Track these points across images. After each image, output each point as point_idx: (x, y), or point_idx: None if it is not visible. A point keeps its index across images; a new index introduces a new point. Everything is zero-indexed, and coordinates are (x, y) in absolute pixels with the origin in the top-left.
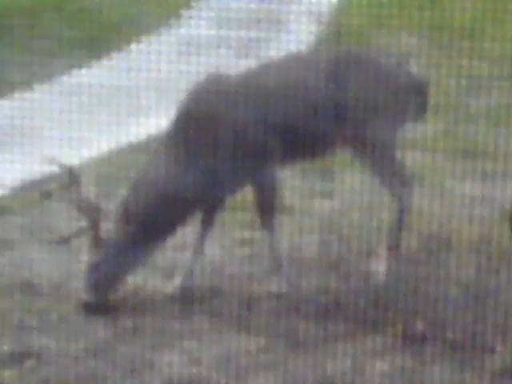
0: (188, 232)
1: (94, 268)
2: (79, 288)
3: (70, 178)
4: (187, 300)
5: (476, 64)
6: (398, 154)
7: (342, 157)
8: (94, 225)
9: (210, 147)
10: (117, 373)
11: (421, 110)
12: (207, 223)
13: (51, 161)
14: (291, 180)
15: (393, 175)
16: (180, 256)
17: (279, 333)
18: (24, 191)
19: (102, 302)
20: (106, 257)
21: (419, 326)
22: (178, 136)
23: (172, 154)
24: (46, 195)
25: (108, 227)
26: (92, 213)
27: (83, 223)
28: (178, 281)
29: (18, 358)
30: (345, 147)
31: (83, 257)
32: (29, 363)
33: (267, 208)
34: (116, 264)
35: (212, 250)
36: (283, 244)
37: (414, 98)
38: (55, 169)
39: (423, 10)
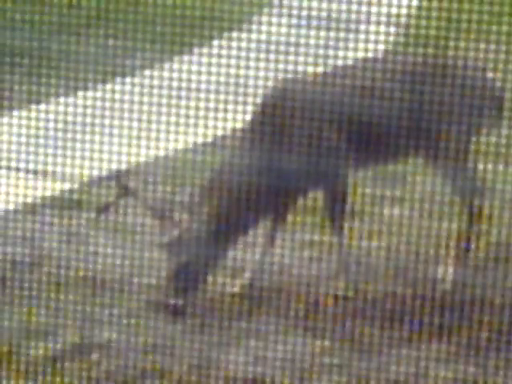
0: (258, 232)
1: (179, 271)
2: (147, 283)
3: (120, 189)
4: (254, 299)
5: None
6: (471, 162)
7: (413, 163)
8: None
9: (285, 148)
10: (182, 369)
11: (496, 116)
12: (278, 223)
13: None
14: (361, 185)
15: (464, 183)
16: (249, 255)
17: (344, 336)
18: (95, 186)
19: (188, 304)
20: (189, 258)
21: (484, 335)
22: (253, 136)
23: (247, 152)
24: (104, 209)
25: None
26: (159, 215)
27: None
28: (246, 280)
29: (84, 351)
30: (417, 153)
31: (154, 254)
32: (95, 356)
33: (338, 211)
34: (200, 264)
35: (281, 250)
36: (352, 248)
37: (489, 104)
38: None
39: (502, 17)
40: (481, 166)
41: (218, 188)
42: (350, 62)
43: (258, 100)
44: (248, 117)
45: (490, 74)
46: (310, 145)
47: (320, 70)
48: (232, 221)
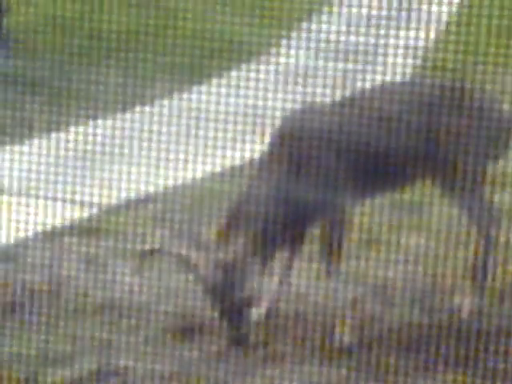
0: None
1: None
2: (166, 311)
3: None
4: (271, 327)
5: None
6: (486, 190)
7: (429, 190)
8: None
9: (295, 178)
10: None
11: (504, 146)
12: (293, 252)
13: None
14: (378, 213)
15: (480, 211)
16: (266, 283)
17: (361, 364)
18: (118, 212)
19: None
20: (232, 286)
21: (501, 365)
22: (263, 166)
23: (260, 183)
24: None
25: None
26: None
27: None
28: (263, 308)
29: (103, 377)
30: (433, 181)
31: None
32: (114, 382)
33: (338, 241)
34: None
35: (297, 279)
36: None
37: (505, 134)
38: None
39: None
40: (496, 195)
41: (237, 219)
42: (368, 89)
43: (279, 123)
44: (267, 143)
45: (498, 104)
46: (319, 174)
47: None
48: (255, 251)
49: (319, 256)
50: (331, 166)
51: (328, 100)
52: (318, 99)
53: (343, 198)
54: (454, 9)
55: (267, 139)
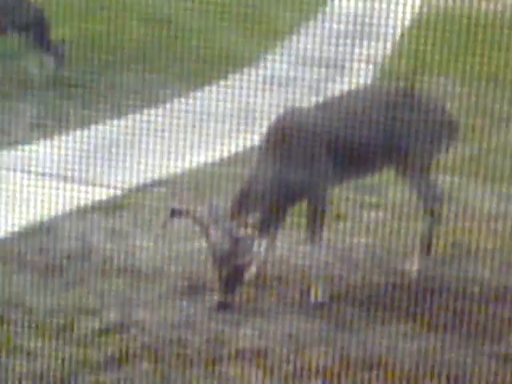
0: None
1: (228, 269)
2: (177, 271)
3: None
4: (261, 285)
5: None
6: (432, 175)
7: (387, 175)
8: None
9: (287, 164)
10: (200, 341)
11: (452, 140)
12: (278, 223)
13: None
14: (345, 193)
15: (427, 192)
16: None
17: (331, 316)
18: (136, 192)
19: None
20: (235, 255)
21: (441, 315)
22: (266, 152)
23: (264, 164)
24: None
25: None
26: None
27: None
28: (253, 269)
29: (121, 327)
30: (390, 167)
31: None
32: (132, 331)
33: (316, 222)
34: (243, 260)
35: (280, 245)
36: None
37: (447, 130)
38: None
39: (459, 58)
40: (442, 178)
41: (244, 199)
42: (340, 94)
43: (272, 122)
44: (257, 140)
45: (447, 107)
46: (306, 163)
47: (315, 101)
48: (267, 216)
49: (306, 226)
50: (316, 155)
51: (312, 103)
52: (299, 103)
53: (326, 181)
54: (408, 22)
55: (263, 133)
